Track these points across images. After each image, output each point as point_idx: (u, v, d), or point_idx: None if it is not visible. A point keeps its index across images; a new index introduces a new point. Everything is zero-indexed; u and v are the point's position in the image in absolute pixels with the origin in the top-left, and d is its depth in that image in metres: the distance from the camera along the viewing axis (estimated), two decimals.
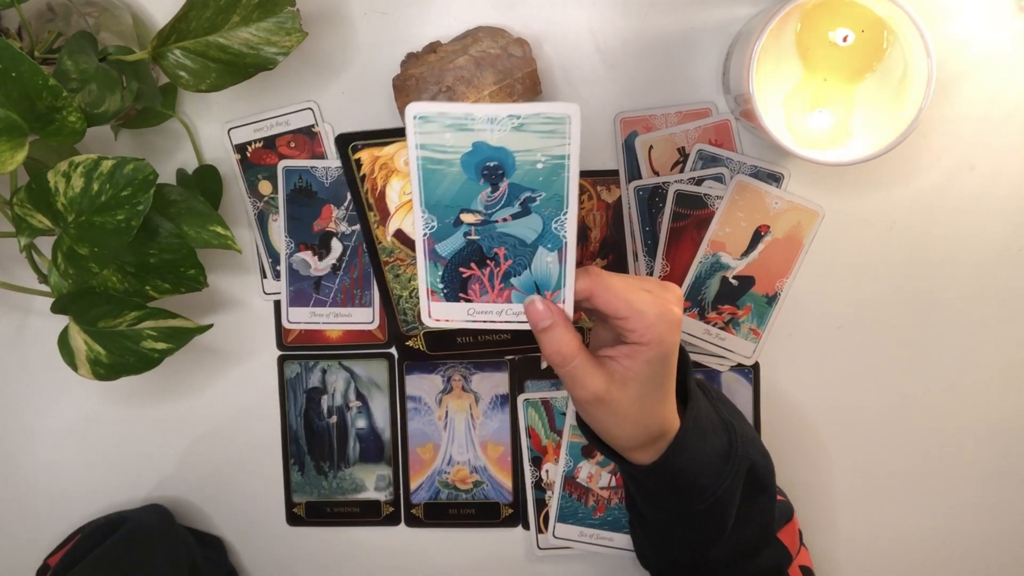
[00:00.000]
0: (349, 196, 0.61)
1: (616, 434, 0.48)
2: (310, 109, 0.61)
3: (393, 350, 0.63)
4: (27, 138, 0.47)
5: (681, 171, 0.60)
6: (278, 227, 0.62)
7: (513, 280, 0.47)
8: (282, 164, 0.61)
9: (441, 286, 0.47)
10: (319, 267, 0.62)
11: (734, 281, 0.60)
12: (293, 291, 0.63)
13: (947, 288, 0.60)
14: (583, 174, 0.59)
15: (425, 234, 0.46)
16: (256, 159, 0.62)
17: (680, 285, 0.60)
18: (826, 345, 0.61)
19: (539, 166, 0.43)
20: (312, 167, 0.61)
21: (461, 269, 0.47)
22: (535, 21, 0.59)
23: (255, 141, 0.61)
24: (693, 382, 0.51)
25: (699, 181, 0.59)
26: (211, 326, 0.56)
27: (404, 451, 0.65)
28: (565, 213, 0.44)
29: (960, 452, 0.62)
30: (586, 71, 0.59)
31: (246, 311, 0.64)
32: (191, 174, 0.61)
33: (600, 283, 0.45)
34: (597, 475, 0.62)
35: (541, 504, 0.63)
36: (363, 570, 0.66)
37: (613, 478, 0.62)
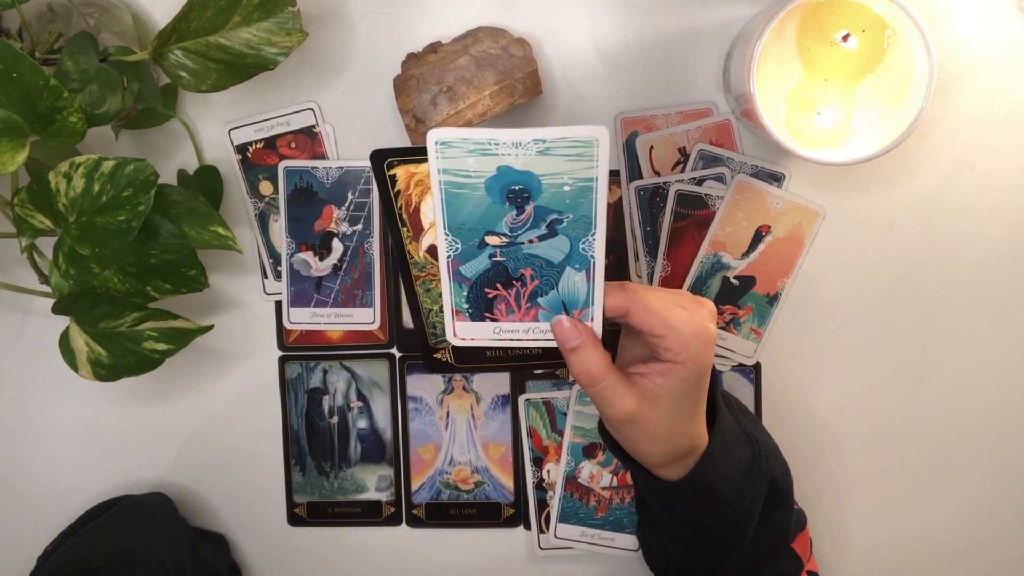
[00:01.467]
0: (350, 197, 0.61)
1: (646, 451, 0.47)
2: (311, 109, 0.61)
3: (395, 350, 0.63)
4: (28, 139, 0.47)
5: (682, 171, 0.60)
6: (279, 227, 0.62)
7: (540, 299, 0.46)
8: (283, 164, 0.61)
9: (466, 306, 0.46)
10: (320, 267, 0.62)
11: (735, 281, 0.60)
12: (294, 291, 0.63)
13: (947, 288, 0.60)
14: None
15: (449, 256, 0.45)
16: (257, 159, 0.62)
17: (681, 285, 0.60)
18: (827, 345, 0.61)
19: (566, 188, 0.42)
20: (313, 167, 0.61)
21: (487, 289, 0.46)
22: (535, 21, 0.59)
23: (256, 141, 0.61)
24: (720, 396, 0.50)
25: (700, 181, 0.59)
26: (212, 327, 0.56)
27: (405, 451, 0.65)
28: (593, 234, 0.43)
29: (961, 452, 0.62)
30: (586, 71, 0.59)
31: (247, 312, 0.64)
32: (192, 174, 0.61)
33: (637, 300, 0.44)
34: (598, 475, 0.62)
35: (542, 504, 0.63)
36: (364, 571, 0.66)
37: (614, 478, 0.62)
